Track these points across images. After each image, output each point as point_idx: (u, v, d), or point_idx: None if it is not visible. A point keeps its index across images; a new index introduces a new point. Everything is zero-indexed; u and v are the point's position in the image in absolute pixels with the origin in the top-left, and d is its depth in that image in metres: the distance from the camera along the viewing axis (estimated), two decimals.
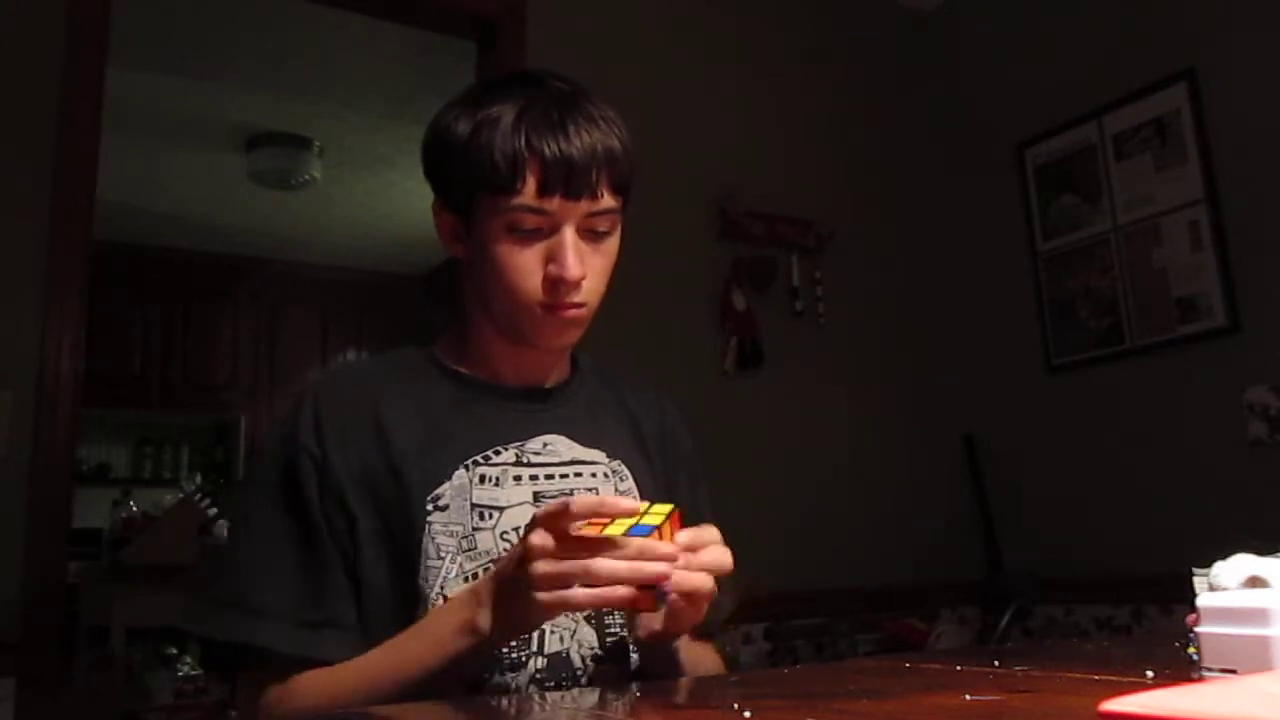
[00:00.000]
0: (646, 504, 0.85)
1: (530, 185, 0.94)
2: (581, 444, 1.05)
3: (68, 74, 2.02)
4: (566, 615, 0.97)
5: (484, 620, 0.85)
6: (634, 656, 1.01)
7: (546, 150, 0.93)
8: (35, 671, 1.82)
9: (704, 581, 0.85)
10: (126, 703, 3.00)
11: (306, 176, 4.32)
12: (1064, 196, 2.96)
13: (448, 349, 1.09)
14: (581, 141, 0.95)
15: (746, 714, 0.61)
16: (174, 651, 3.20)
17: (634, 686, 0.98)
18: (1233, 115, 2.59)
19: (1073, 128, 2.95)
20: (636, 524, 0.82)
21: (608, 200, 0.97)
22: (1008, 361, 3.09)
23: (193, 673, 3.13)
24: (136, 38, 3.02)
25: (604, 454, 1.06)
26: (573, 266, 0.95)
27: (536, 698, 0.89)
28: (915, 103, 3.28)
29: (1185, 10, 2.71)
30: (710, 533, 0.87)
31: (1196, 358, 2.61)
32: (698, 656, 1.04)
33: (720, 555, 0.87)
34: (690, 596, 0.85)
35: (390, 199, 4.83)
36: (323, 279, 5.75)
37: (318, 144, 4.25)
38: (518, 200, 0.94)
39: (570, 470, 1.02)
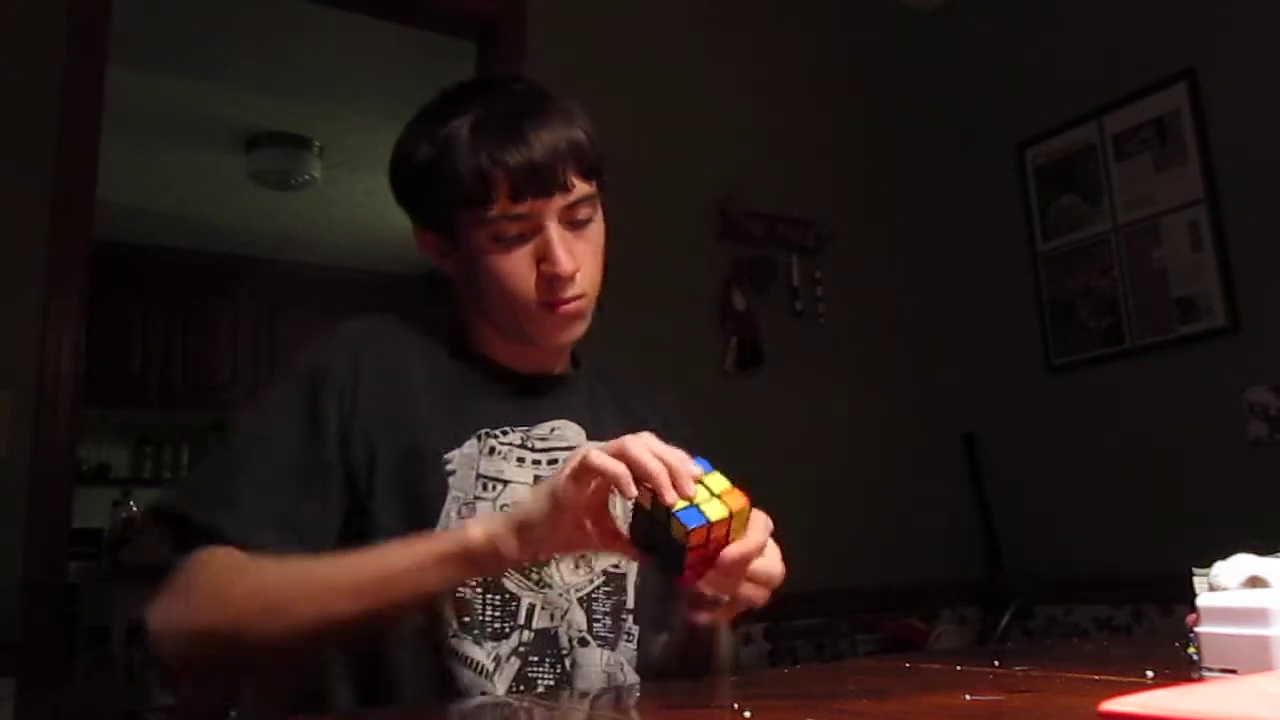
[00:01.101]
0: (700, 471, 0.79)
1: (503, 195, 0.95)
2: (587, 433, 1.06)
3: (68, 74, 2.01)
4: (560, 594, 0.97)
5: (508, 540, 0.81)
6: (626, 643, 1.02)
7: (510, 158, 0.94)
8: (35, 671, 1.82)
9: (776, 572, 0.89)
10: (126, 703, 3.00)
11: (306, 176, 4.31)
12: (1064, 196, 2.96)
13: (457, 335, 1.09)
14: (542, 141, 0.95)
15: (746, 714, 0.61)
16: None
17: (634, 686, 0.98)
18: (1233, 115, 2.59)
19: (1073, 128, 2.94)
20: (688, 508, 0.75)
21: (581, 188, 0.98)
22: (1008, 361, 3.09)
23: None
24: (136, 38, 3.01)
25: None
26: (564, 262, 0.96)
27: (537, 697, 0.89)
28: (915, 103, 3.28)
29: (1185, 10, 2.71)
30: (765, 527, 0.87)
31: (1196, 358, 2.61)
32: (727, 639, 1.04)
33: (771, 566, 0.89)
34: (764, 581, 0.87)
35: (390, 199, 4.72)
36: (323, 279, 5.74)
37: (318, 144, 4.24)
38: (494, 211, 0.95)
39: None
